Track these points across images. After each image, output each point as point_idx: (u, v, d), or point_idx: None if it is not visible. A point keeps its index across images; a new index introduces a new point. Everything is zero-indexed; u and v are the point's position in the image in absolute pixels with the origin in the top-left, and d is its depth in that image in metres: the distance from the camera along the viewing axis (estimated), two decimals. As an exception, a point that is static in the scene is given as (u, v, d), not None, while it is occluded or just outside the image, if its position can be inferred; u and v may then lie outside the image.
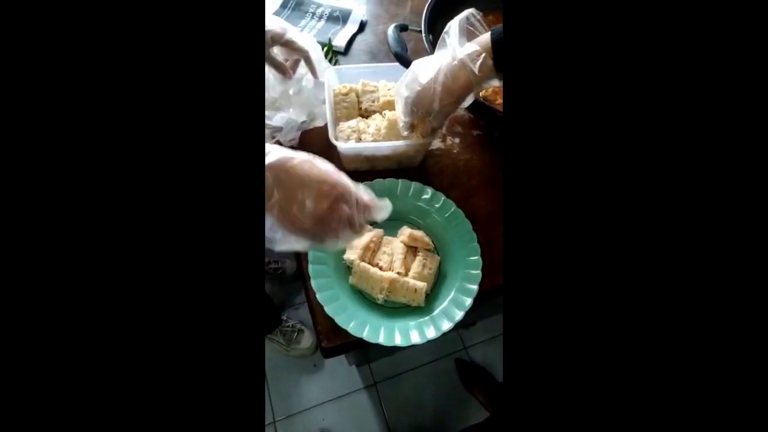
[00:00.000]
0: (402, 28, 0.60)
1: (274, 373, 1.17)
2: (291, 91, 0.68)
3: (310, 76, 0.66)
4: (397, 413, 1.13)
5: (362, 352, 1.08)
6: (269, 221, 0.32)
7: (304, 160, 0.34)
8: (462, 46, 0.44)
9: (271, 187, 0.32)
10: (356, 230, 0.37)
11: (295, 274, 1.28)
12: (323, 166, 0.35)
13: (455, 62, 0.44)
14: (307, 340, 1.16)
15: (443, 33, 0.46)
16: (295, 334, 1.15)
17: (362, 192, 0.38)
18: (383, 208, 0.39)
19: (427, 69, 0.46)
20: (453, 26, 0.45)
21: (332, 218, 0.34)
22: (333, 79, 0.62)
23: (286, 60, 0.59)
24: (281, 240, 0.33)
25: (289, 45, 0.55)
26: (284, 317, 1.18)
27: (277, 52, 0.57)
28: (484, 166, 0.63)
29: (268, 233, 0.32)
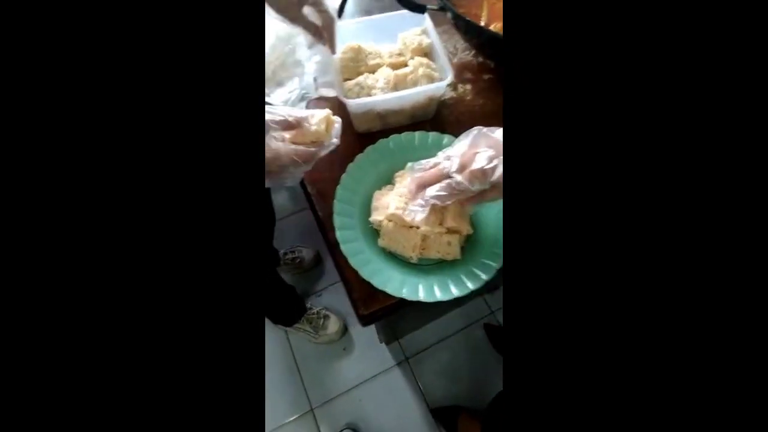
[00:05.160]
0: (398, -29, 0.55)
1: (305, 363, 1.15)
2: (290, 61, 0.65)
3: (301, 39, 0.62)
4: (432, 386, 1.11)
5: (391, 328, 1.06)
6: None
7: None
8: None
9: None
10: (307, 157, 0.39)
11: (313, 261, 1.26)
12: None
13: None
14: (333, 325, 1.15)
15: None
16: (322, 320, 1.14)
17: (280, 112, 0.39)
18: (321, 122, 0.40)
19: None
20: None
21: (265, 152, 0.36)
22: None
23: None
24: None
25: (317, 5, 0.49)
26: (308, 305, 1.16)
27: (308, 12, 0.51)
28: (499, 109, 0.60)
29: None
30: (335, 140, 0.41)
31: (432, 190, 0.42)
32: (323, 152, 0.41)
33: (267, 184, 0.38)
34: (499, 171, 0.38)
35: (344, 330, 1.18)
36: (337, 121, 0.42)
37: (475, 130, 0.42)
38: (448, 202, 0.43)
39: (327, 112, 0.41)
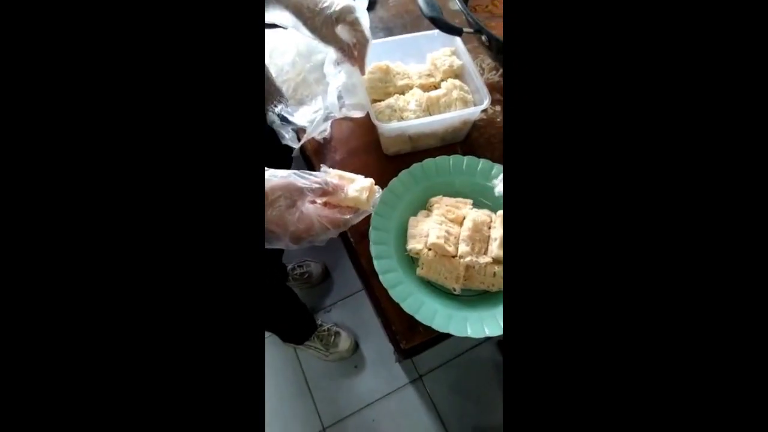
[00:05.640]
0: (430, -9, 0.54)
1: (315, 381, 1.13)
2: (312, 78, 0.63)
3: (321, 57, 0.60)
4: (446, 404, 1.09)
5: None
6: None
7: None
8: None
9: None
10: (338, 225, 0.37)
11: (321, 276, 1.24)
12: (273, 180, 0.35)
13: None
14: (344, 342, 1.12)
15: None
16: (333, 337, 1.11)
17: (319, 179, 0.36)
18: (364, 194, 0.38)
19: None
20: None
21: (297, 219, 0.35)
22: (360, 57, 0.57)
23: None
24: (268, 240, 0.35)
25: (354, 25, 0.47)
26: (319, 322, 1.14)
27: (340, 30, 0.49)
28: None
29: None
30: (372, 208, 0.40)
31: None
32: (357, 220, 0.39)
33: (293, 246, 0.36)
34: None
35: (355, 347, 1.15)
36: (378, 190, 0.40)
37: None
38: None
39: (370, 181, 0.39)
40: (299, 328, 1.07)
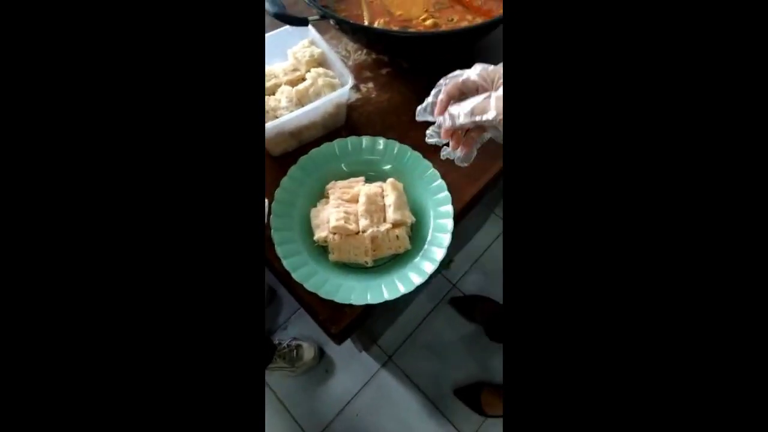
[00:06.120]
0: (268, -13, 0.55)
1: (291, 399, 1.11)
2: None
3: None
4: (421, 374, 1.13)
5: (366, 334, 1.06)
6: None
7: None
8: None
9: None
10: None
11: (268, 297, 1.21)
12: None
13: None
14: (308, 351, 1.11)
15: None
16: (294, 351, 1.10)
17: None
18: None
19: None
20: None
21: None
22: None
23: None
24: None
25: None
26: (277, 342, 1.11)
27: None
28: (407, 99, 0.62)
29: None
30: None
31: (462, 109, 0.34)
32: None
33: None
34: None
35: (321, 353, 1.15)
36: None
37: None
38: (468, 123, 0.34)
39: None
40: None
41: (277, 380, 1.12)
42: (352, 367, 1.15)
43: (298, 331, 1.18)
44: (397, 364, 1.15)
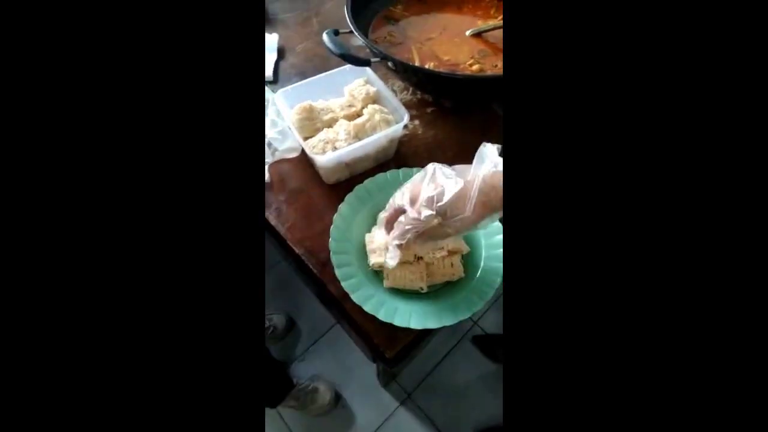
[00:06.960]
0: (335, 33, 0.60)
1: (306, 436, 1.07)
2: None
3: None
4: (441, 413, 1.10)
5: (389, 370, 1.04)
6: None
7: None
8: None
9: None
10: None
11: (286, 327, 1.20)
12: None
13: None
14: (323, 396, 1.06)
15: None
16: (309, 395, 1.05)
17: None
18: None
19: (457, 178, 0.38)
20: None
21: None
22: (283, 103, 0.60)
23: None
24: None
25: None
26: (294, 380, 1.06)
27: None
28: (450, 136, 0.66)
29: None
30: None
31: (394, 233, 0.41)
32: None
33: None
34: (448, 197, 0.37)
35: (336, 398, 1.10)
36: None
37: (430, 166, 0.40)
38: (410, 237, 0.40)
39: None
40: (271, 389, 1.00)
41: (291, 415, 1.09)
42: (369, 405, 1.11)
43: (315, 364, 1.16)
44: (416, 402, 1.12)
